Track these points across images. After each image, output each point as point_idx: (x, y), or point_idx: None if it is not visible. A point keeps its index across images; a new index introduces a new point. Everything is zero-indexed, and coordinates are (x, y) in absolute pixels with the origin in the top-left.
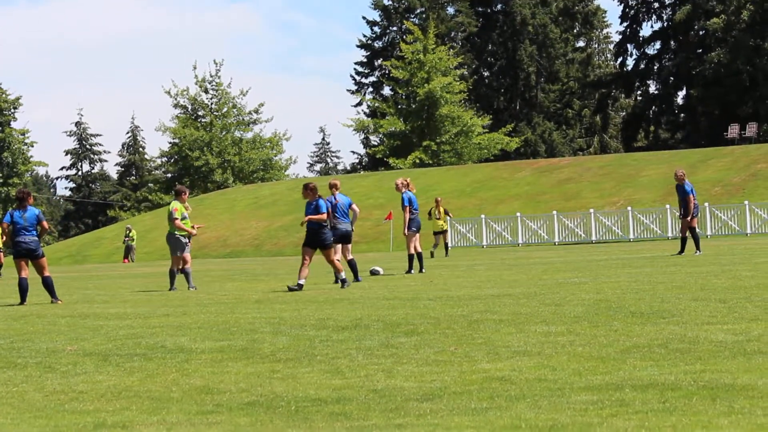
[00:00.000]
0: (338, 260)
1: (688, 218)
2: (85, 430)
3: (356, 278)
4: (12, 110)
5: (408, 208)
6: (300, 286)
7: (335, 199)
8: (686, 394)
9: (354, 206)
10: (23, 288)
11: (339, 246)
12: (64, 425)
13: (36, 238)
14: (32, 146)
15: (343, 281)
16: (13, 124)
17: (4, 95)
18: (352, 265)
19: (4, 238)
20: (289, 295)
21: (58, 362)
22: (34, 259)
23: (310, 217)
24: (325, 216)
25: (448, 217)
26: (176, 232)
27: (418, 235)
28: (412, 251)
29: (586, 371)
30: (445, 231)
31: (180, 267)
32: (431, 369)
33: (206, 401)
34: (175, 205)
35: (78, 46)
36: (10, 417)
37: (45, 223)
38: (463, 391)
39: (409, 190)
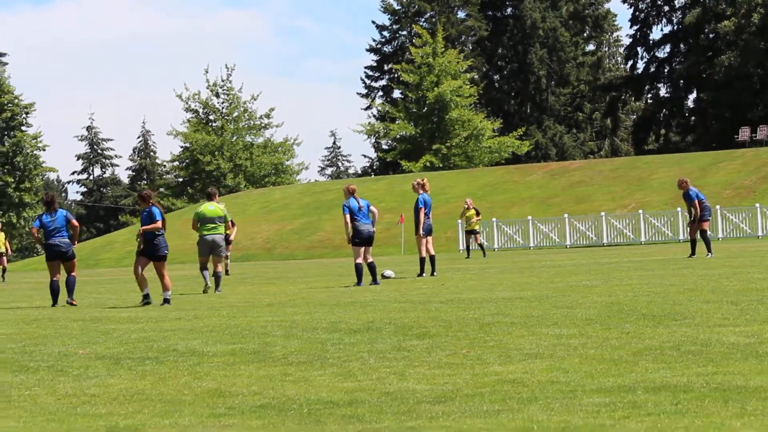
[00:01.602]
0: (359, 261)
1: (699, 222)
2: None
3: (375, 281)
4: (25, 115)
5: (422, 210)
6: (145, 297)
7: (359, 202)
8: (698, 396)
9: (372, 208)
10: (54, 290)
11: (362, 249)
12: (77, 429)
13: (68, 240)
14: (44, 150)
15: (166, 300)
16: (25, 129)
17: (16, 100)
18: (371, 267)
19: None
20: (300, 298)
21: (70, 366)
22: (66, 260)
23: (144, 227)
24: (159, 224)
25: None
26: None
27: (430, 238)
28: (423, 254)
29: (598, 373)
30: (477, 232)
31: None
32: (443, 372)
33: (218, 404)
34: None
35: (88, 51)
36: (23, 420)
37: (75, 222)
38: (475, 393)
39: (425, 192)
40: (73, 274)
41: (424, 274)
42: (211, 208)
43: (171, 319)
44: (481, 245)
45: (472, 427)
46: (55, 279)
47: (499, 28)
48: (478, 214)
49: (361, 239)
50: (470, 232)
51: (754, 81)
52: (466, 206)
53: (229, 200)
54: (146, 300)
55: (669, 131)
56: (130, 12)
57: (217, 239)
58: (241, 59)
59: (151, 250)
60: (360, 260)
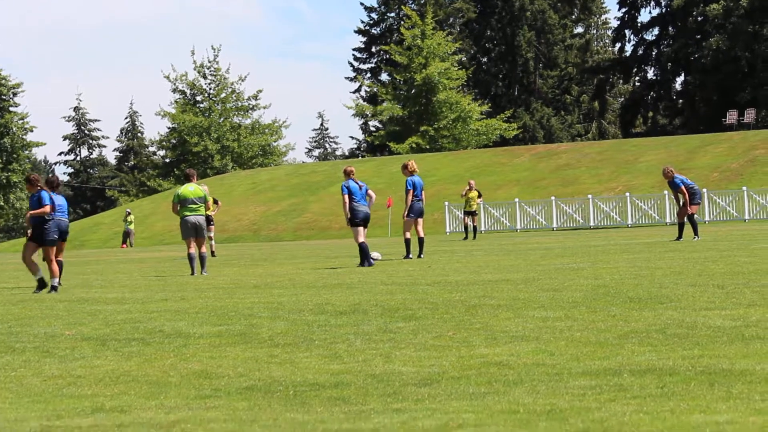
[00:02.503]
0: (362, 240)
1: (688, 207)
2: (84, 415)
3: (367, 262)
4: (11, 96)
5: (411, 192)
6: (39, 282)
7: (357, 184)
8: (684, 379)
9: (370, 192)
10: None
11: (361, 228)
12: (63, 409)
13: (68, 221)
14: (31, 131)
15: (53, 288)
16: (13, 110)
17: (3, 80)
18: (364, 248)
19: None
20: (286, 280)
21: (57, 347)
22: (63, 240)
23: (32, 212)
24: (48, 209)
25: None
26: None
27: (420, 220)
28: (408, 236)
29: (584, 356)
30: (475, 213)
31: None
32: (429, 354)
33: (204, 386)
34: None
35: (76, 31)
36: (9, 401)
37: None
38: (461, 375)
39: (414, 174)
40: (60, 258)
41: (411, 256)
42: (191, 189)
43: (157, 301)
44: (475, 227)
45: (458, 410)
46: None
47: (487, 10)
48: (479, 195)
49: (359, 219)
50: (469, 213)
51: (742, 64)
52: (469, 187)
53: (215, 181)
54: (40, 284)
55: (656, 114)
56: None
57: (199, 220)
58: (230, 40)
59: (38, 236)
60: (362, 239)
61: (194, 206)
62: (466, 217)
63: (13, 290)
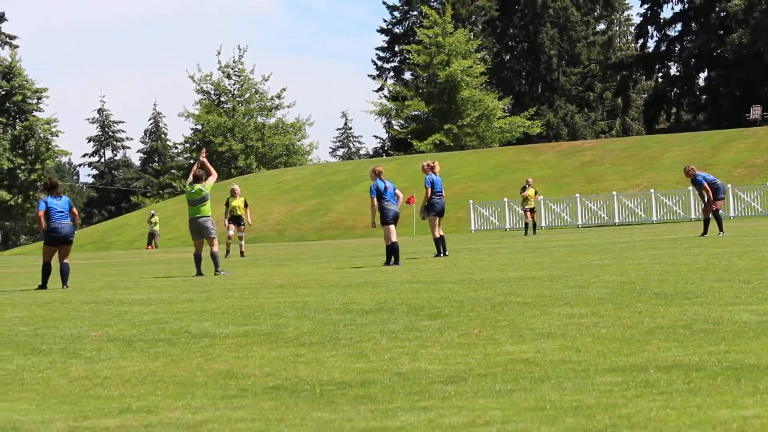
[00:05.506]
0: (395, 240)
1: (714, 202)
2: (110, 416)
3: (397, 262)
4: (36, 100)
5: (429, 190)
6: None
7: (385, 183)
8: (711, 374)
9: (398, 191)
10: (48, 271)
11: (392, 227)
12: (89, 411)
13: (71, 223)
14: (57, 135)
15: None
16: (39, 114)
17: (27, 84)
18: (395, 248)
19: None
20: (312, 279)
21: (83, 348)
22: (67, 243)
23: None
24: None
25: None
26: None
27: (439, 218)
28: (437, 235)
29: (610, 353)
30: (533, 209)
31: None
32: (455, 352)
33: (231, 386)
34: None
35: (100, 33)
36: (35, 403)
37: (75, 210)
38: (487, 373)
39: (434, 173)
40: (66, 261)
41: (441, 255)
42: (192, 191)
43: (183, 301)
44: (535, 224)
45: (485, 407)
46: (49, 261)
47: (509, 8)
48: (536, 193)
49: (390, 218)
50: (528, 210)
51: (765, 59)
52: (529, 185)
53: (240, 182)
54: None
55: (680, 110)
56: None
57: (200, 221)
58: (253, 38)
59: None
60: (394, 238)
61: (195, 207)
62: (526, 214)
63: (39, 292)
